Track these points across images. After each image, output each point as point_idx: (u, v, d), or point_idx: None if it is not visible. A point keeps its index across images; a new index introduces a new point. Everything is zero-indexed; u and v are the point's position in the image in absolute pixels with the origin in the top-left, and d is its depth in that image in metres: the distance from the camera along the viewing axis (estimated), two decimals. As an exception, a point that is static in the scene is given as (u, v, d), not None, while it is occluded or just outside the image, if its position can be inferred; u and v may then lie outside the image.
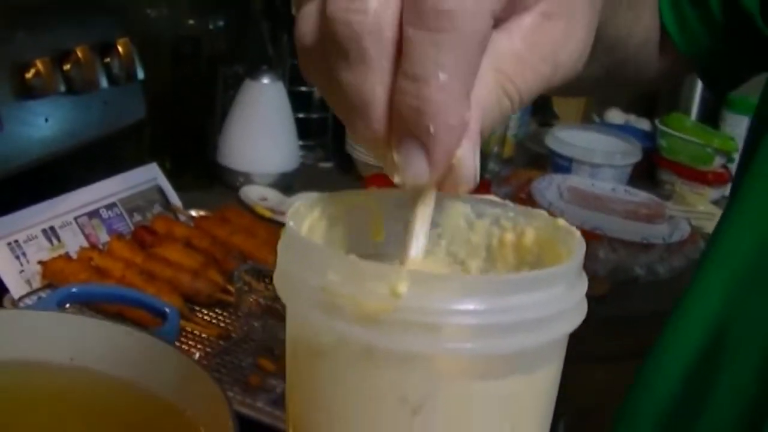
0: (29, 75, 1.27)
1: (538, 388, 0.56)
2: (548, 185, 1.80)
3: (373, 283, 0.49)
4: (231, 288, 1.24)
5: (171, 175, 1.53)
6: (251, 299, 1.16)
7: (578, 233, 0.57)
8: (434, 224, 0.61)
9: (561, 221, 0.59)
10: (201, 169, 1.71)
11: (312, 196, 0.61)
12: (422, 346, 0.50)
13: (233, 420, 0.74)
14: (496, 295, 0.50)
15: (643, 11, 0.92)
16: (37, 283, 1.24)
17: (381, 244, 0.62)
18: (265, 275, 1.21)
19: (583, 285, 0.55)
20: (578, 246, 0.56)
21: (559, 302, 0.52)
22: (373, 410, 0.53)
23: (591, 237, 1.57)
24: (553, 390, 0.58)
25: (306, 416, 0.57)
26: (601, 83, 0.96)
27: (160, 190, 1.49)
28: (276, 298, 1.06)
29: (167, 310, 1.08)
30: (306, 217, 0.59)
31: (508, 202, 0.62)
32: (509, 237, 0.62)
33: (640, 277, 1.56)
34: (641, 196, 1.90)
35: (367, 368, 0.52)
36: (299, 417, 0.57)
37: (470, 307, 0.49)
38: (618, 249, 1.56)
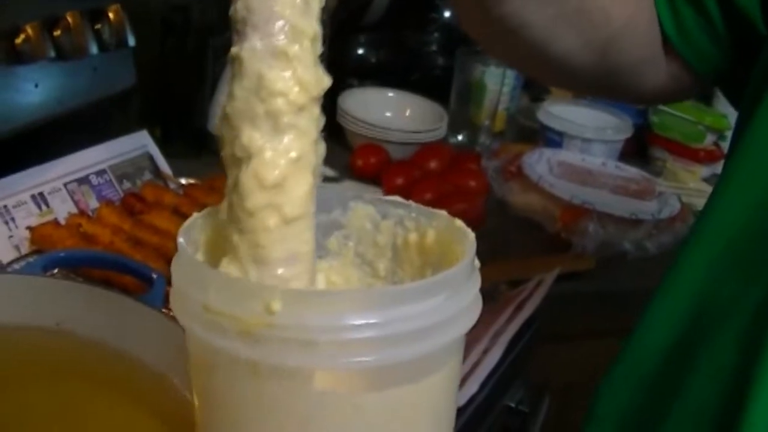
0: (18, 40, 1.26)
1: (433, 392, 0.58)
2: (539, 159, 1.80)
3: (249, 301, 0.51)
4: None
5: (161, 143, 1.52)
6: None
7: (472, 234, 0.59)
8: (340, 226, 0.64)
9: (458, 222, 0.61)
10: (191, 137, 1.71)
11: (208, 209, 0.62)
12: (301, 361, 0.52)
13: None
14: (373, 309, 0.51)
15: None
16: (25, 249, 1.24)
17: None
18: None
19: (474, 286, 0.56)
20: (470, 247, 0.58)
21: (444, 310, 0.53)
22: (262, 423, 0.55)
23: (580, 211, 1.58)
24: (451, 388, 0.59)
25: (207, 425, 0.59)
26: (598, 81, 0.98)
27: (150, 158, 1.48)
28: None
29: (154, 276, 1.08)
30: (204, 228, 0.62)
31: (411, 203, 0.65)
32: (413, 237, 0.65)
33: (628, 252, 1.56)
34: (632, 171, 1.90)
35: (254, 382, 0.54)
36: (202, 425, 0.59)
37: (346, 322, 0.51)
38: (607, 224, 1.56)
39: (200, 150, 1.70)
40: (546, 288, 1.21)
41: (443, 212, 0.63)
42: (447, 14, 2.30)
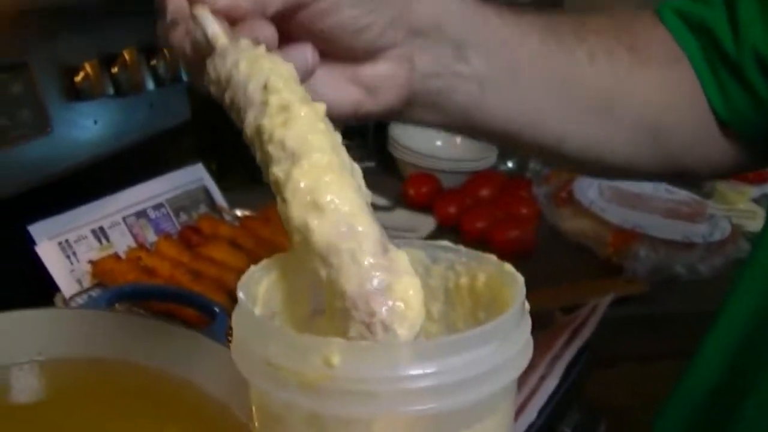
0: (78, 78, 1.29)
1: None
2: (590, 184, 1.81)
3: (309, 355, 0.53)
4: (276, 287, 1.26)
5: (216, 176, 1.54)
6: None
7: (521, 279, 0.61)
8: None
9: (507, 266, 0.63)
10: (245, 170, 1.73)
11: (265, 261, 0.64)
12: (361, 411, 0.54)
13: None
14: (429, 359, 0.53)
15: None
16: (87, 282, 1.26)
17: None
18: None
19: (525, 330, 0.58)
20: (519, 291, 0.59)
21: (498, 356, 0.55)
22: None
23: (631, 236, 1.58)
24: (506, 429, 0.60)
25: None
26: (660, 169, 0.97)
27: (206, 191, 1.51)
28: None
29: (216, 309, 1.10)
30: (261, 281, 0.63)
31: (460, 248, 0.66)
32: (464, 281, 0.66)
33: (680, 276, 1.57)
34: (682, 194, 1.90)
35: (315, 431, 0.55)
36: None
37: (403, 373, 0.53)
38: (658, 248, 1.57)
39: (255, 182, 1.71)
40: (600, 313, 1.22)
41: (492, 256, 0.65)
42: None
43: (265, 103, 0.60)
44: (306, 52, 0.68)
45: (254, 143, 0.62)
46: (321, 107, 0.60)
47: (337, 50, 0.71)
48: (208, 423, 0.86)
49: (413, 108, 0.79)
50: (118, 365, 0.91)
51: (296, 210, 0.57)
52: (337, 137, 0.60)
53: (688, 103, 0.93)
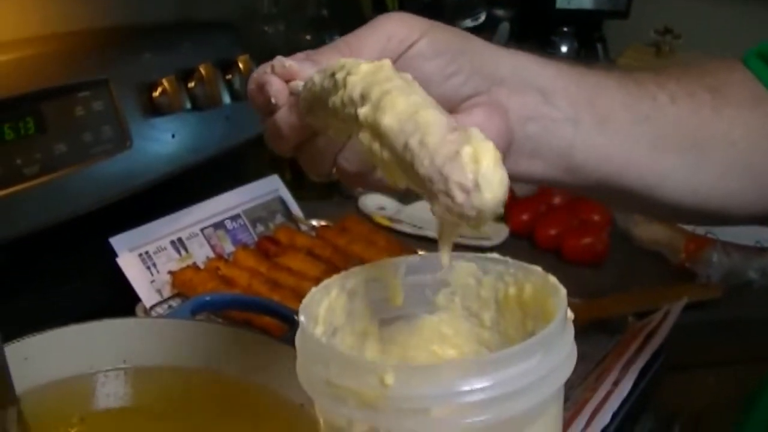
0: (156, 93, 1.32)
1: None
2: (662, 190, 1.80)
3: (366, 376, 0.57)
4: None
5: (291, 187, 1.57)
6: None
7: (563, 290, 0.64)
8: (447, 284, 0.71)
9: (552, 278, 0.66)
10: (320, 183, 1.74)
11: (324, 282, 0.68)
12: (416, 426, 0.58)
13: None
14: (479, 375, 0.57)
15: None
16: (167, 293, 1.29)
17: (402, 307, 0.70)
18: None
19: (568, 338, 0.61)
20: (561, 303, 0.62)
21: (544, 365, 0.58)
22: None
23: (704, 241, 1.58)
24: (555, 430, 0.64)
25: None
26: (758, 212, 0.95)
27: (282, 201, 1.53)
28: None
29: (295, 317, 1.12)
30: (322, 302, 0.68)
31: (508, 259, 0.70)
32: (512, 291, 0.70)
33: (754, 281, 1.56)
34: (755, 199, 1.89)
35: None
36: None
37: (455, 389, 0.56)
38: (731, 253, 1.56)
39: (330, 192, 1.74)
40: (674, 318, 1.22)
41: (538, 268, 0.68)
42: (564, 49, 2.33)
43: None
44: None
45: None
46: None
47: None
48: (287, 425, 0.89)
49: (515, 156, 0.80)
50: (198, 373, 0.94)
51: (367, 115, 0.60)
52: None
53: None
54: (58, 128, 1.21)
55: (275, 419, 0.90)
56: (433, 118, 0.58)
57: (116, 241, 1.29)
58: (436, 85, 0.73)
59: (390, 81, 0.60)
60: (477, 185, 0.55)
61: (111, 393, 0.94)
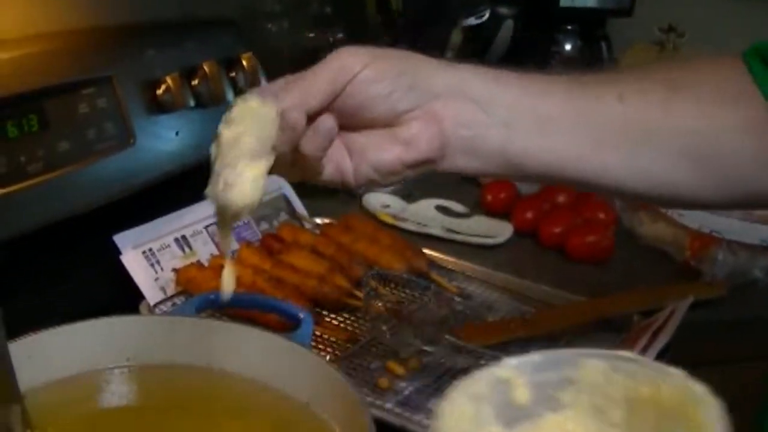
0: (160, 91, 1.32)
1: None
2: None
3: None
4: (357, 293, 1.28)
5: (296, 185, 1.56)
6: (378, 304, 1.19)
7: (715, 403, 0.61)
8: (573, 382, 0.68)
9: (697, 386, 0.62)
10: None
11: (456, 384, 0.66)
12: None
13: (370, 423, 0.78)
14: None
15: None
16: (171, 290, 1.29)
17: (527, 407, 0.68)
18: (390, 280, 1.25)
19: None
20: (715, 417, 0.60)
21: None
22: None
23: (709, 240, 1.58)
24: None
25: None
26: (722, 200, 0.98)
27: (286, 199, 1.53)
28: (401, 302, 1.11)
29: (301, 315, 1.12)
30: (454, 408, 0.65)
31: (641, 358, 0.67)
32: (645, 391, 0.66)
33: (759, 280, 1.55)
34: (760, 198, 1.88)
35: None
36: None
37: None
38: (737, 251, 1.56)
39: (334, 190, 1.73)
40: (680, 316, 1.22)
41: (677, 371, 0.65)
42: (568, 47, 2.33)
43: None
44: (327, 121, 0.85)
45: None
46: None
47: (375, 120, 0.88)
48: (292, 424, 0.89)
49: (452, 156, 0.92)
50: (203, 370, 0.93)
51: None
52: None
53: (745, 134, 0.93)
54: (62, 125, 1.21)
55: (280, 417, 0.89)
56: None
57: (120, 239, 1.29)
58: (381, 103, 0.87)
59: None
60: (231, 184, 0.84)
61: (115, 391, 0.94)
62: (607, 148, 0.92)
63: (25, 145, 1.16)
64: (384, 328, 1.18)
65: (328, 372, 0.86)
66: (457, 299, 1.34)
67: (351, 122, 0.88)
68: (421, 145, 0.89)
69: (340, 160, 0.88)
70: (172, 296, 1.29)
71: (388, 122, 0.89)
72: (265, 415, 0.90)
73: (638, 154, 0.93)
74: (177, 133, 1.37)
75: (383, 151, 0.89)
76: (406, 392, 1.11)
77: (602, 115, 0.92)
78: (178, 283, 1.29)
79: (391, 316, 1.18)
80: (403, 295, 1.26)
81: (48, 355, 0.92)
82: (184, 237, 1.36)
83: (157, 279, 1.29)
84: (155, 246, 1.32)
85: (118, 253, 1.28)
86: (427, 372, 1.16)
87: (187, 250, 1.35)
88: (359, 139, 0.89)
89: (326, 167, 0.87)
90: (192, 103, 1.37)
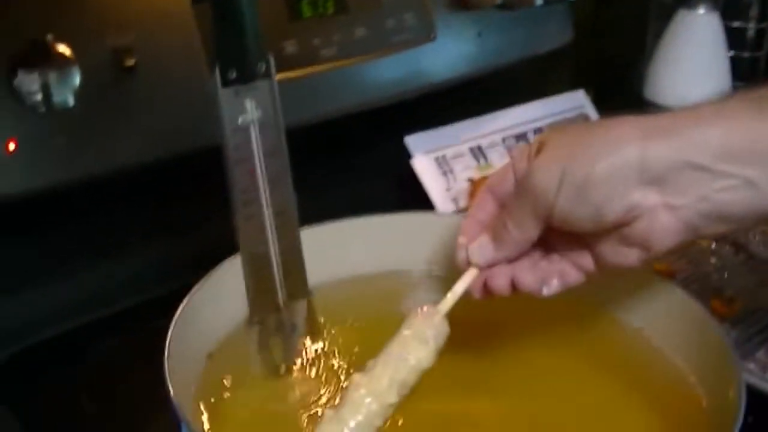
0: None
1: None
2: None
3: None
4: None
5: (594, 105, 1.43)
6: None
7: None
8: None
9: None
10: (626, 101, 1.60)
11: None
12: None
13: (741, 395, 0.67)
14: None
15: None
16: (463, 203, 1.18)
17: None
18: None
19: None
20: None
21: None
22: None
23: None
24: None
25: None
26: None
27: (586, 119, 1.40)
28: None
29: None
30: None
31: None
32: None
33: None
34: None
35: None
36: None
37: None
38: None
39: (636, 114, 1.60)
40: None
41: None
42: None
43: None
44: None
45: None
46: None
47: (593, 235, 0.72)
48: (624, 348, 0.81)
49: (705, 230, 0.70)
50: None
51: None
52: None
53: None
54: (360, 11, 1.13)
55: (611, 342, 0.80)
56: None
57: (412, 141, 1.19)
58: (588, 228, 0.71)
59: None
60: None
61: (412, 297, 0.83)
62: None
63: (320, 28, 1.09)
64: (712, 260, 1.04)
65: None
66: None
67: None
68: (664, 241, 0.70)
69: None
70: (463, 209, 1.17)
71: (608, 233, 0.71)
72: (597, 340, 0.81)
73: None
74: (479, 34, 1.28)
75: (623, 256, 0.72)
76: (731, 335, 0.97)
77: None
78: (471, 195, 1.17)
79: (725, 243, 1.03)
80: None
81: (342, 249, 0.83)
82: (479, 147, 1.24)
83: (449, 189, 1.18)
84: (449, 153, 1.21)
85: (409, 156, 1.18)
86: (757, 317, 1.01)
87: (482, 160, 1.23)
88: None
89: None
90: (499, 1, 1.25)
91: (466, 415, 0.76)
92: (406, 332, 0.70)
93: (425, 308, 0.71)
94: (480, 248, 0.73)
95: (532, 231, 0.71)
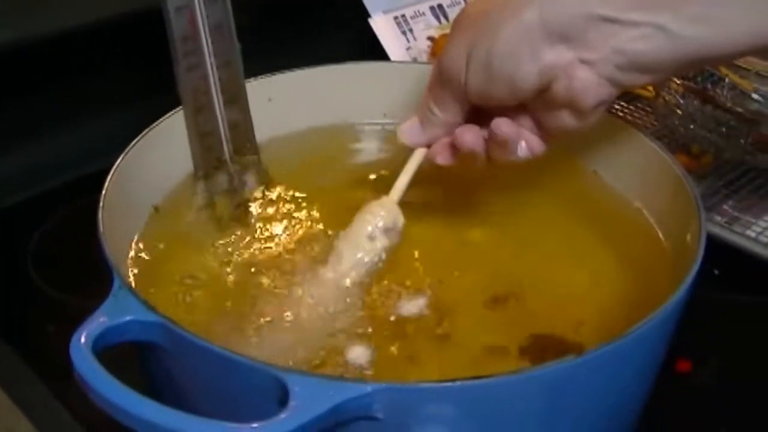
0: None
1: None
2: None
3: None
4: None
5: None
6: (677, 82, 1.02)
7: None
8: None
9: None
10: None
11: None
12: None
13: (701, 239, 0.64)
14: None
15: None
16: (423, 60, 1.15)
17: None
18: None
19: None
20: None
21: None
22: None
23: None
24: None
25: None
26: None
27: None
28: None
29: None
30: None
31: None
32: None
33: None
34: None
35: None
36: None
37: None
38: None
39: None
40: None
41: None
42: None
43: None
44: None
45: None
46: None
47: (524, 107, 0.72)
48: (579, 191, 0.80)
49: (626, 81, 0.69)
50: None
51: None
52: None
53: None
54: None
55: (566, 185, 0.80)
56: None
57: (370, 1, 1.16)
58: (516, 90, 0.70)
59: None
60: None
61: (365, 149, 0.81)
62: None
63: None
64: (678, 112, 1.01)
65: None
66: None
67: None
68: (586, 97, 0.69)
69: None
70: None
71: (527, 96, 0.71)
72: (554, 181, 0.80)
73: None
74: None
75: (557, 120, 0.71)
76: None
77: None
78: (432, 54, 1.15)
79: (692, 96, 1.00)
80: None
81: (291, 101, 0.80)
82: (440, 6, 1.22)
83: (409, 48, 1.16)
84: (408, 12, 1.19)
85: (367, 15, 1.15)
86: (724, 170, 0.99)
87: (443, 20, 1.21)
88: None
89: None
90: None
91: (460, 240, 0.77)
92: (356, 228, 0.70)
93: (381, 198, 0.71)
94: (409, 129, 0.74)
95: (454, 112, 0.72)
